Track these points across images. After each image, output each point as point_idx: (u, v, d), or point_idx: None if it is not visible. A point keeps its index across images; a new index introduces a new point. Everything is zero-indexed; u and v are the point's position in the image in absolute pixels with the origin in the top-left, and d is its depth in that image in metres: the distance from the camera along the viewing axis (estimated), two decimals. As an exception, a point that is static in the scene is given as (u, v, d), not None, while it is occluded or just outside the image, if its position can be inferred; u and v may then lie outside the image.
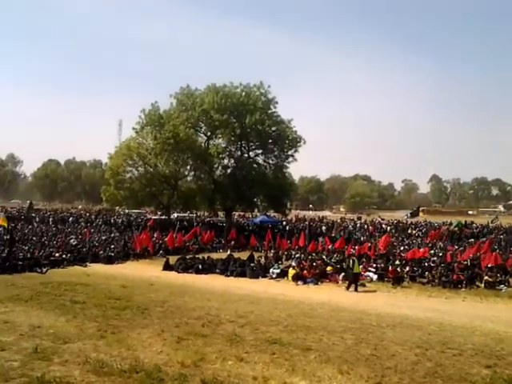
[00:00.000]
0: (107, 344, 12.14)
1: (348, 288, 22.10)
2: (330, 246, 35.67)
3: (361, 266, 26.18)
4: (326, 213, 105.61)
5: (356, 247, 34.12)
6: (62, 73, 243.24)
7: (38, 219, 50.09)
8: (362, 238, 43.24)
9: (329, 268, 25.75)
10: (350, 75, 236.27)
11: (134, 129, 48.90)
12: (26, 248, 29.23)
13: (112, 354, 11.37)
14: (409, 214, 55.35)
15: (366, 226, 52.45)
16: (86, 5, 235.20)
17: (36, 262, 25.27)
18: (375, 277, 25.09)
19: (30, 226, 44.00)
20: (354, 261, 22.96)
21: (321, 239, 40.05)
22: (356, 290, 21.96)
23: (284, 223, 55.06)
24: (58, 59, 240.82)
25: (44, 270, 24.60)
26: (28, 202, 66.77)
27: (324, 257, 29.71)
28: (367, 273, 25.59)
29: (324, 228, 49.71)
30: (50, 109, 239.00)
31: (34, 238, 34.63)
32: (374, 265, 26.95)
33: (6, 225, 33.95)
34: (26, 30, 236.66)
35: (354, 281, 22.26)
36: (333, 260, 28.56)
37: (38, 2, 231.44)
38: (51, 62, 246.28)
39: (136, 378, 9.80)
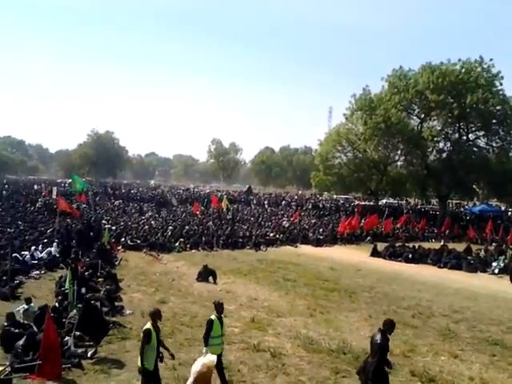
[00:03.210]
0: (316, 322, 12.57)
1: None
2: None
3: None
4: None
5: None
6: (273, 66, 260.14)
7: (255, 202, 54.56)
8: None
9: None
10: None
11: (344, 115, 49.16)
12: (245, 227, 32.18)
13: (320, 332, 11.72)
14: None
15: None
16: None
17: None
18: None
19: (248, 208, 48.28)
20: None
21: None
22: None
23: (510, 214, 48.75)
24: (265, 53, 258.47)
25: (264, 248, 26.75)
26: (247, 186, 73.24)
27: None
28: None
29: (562, 221, 42.23)
30: (265, 100, 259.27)
31: (252, 219, 37.84)
32: None
33: (228, 206, 38.01)
34: (246, 32, 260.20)
35: None
36: None
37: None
38: (260, 55, 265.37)
39: (343, 358, 9.91)
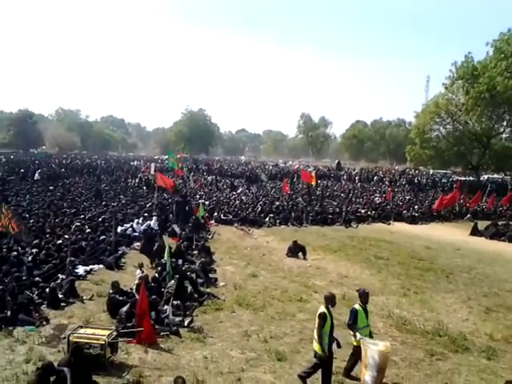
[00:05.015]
0: (410, 302, 12.18)
1: None
2: None
3: None
4: None
5: None
6: (364, 34, 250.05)
7: (345, 177, 53.48)
8: None
9: None
10: None
11: (443, 84, 46.19)
12: (335, 203, 31.70)
13: (415, 313, 11.34)
14: None
15: None
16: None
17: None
18: None
19: (338, 184, 47.43)
20: None
21: None
22: None
23: None
24: (356, 22, 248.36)
25: (355, 225, 26.23)
26: (336, 161, 71.89)
27: None
28: None
29: None
30: (356, 72, 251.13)
31: (342, 195, 37.14)
32: None
33: (316, 182, 37.58)
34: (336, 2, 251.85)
35: None
36: None
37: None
38: (350, 24, 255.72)
39: (439, 341, 9.53)
